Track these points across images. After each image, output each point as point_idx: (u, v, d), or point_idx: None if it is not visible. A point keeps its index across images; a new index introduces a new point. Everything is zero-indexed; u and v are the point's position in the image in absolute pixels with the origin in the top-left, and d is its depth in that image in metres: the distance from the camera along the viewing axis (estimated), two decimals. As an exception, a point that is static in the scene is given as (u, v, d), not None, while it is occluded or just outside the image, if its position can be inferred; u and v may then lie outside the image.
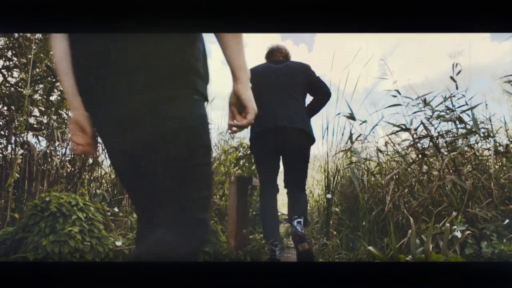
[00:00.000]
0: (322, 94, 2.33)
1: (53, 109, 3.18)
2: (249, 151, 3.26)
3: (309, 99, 2.37)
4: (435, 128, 2.69)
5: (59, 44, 0.93)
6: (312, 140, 2.29)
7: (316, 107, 2.36)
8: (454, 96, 2.66)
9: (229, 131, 0.94)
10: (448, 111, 2.67)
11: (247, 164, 3.31)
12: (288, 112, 2.12)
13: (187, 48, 0.87)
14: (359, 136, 3.02)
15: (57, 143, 3.14)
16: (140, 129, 0.82)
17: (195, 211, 0.88)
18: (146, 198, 0.92)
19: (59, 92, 3.37)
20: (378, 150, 2.88)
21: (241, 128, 0.92)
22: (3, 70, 3.11)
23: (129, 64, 0.82)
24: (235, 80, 0.91)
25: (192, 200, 0.87)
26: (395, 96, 2.76)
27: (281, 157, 2.29)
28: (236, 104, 0.93)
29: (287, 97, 2.14)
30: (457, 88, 2.67)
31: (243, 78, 0.90)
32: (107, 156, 3.55)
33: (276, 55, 2.40)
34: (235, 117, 0.94)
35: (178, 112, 0.83)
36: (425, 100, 2.70)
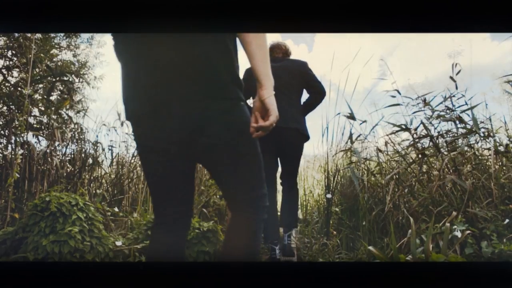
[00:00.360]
0: (316, 93, 2.37)
1: (53, 108, 3.18)
2: None
3: (305, 95, 2.42)
4: (435, 128, 2.70)
5: None
6: (306, 138, 2.35)
7: (311, 105, 2.42)
8: (454, 96, 2.66)
9: (253, 134, 1.04)
10: (448, 111, 2.68)
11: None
12: (284, 112, 2.14)
13: (236, 62, 1.08)
14: (359, 136, 3.02)
15: (57, 143, 3.14)
16: (210, 137, 1.02)
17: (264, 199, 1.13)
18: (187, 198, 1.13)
19: (59, 92, 3.38)
20: (378, 150, 2.88)
21: (264, 129, 1.01)
22: (3, 70, 3.11)
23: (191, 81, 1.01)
24: (260, 86, 1.02)
25: (261, 187, 1.12)
26: (394, 97, 2.76)
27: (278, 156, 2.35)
28: (260, 109, 1.03)
29: (282, 97, 2.16)
30: (456, 88, 2.67)
31: (267, 84, 1.02)
32: (105, 157, 3.56)
33: (275, 51, 2.42)
34: (257, 121, 1.03)
35: (242, 118, 1.06)
36: (425, 100, 2.70)
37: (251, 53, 1.01)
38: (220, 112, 1.03)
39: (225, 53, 1.04)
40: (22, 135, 2.91)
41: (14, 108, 3.01)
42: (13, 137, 2.98)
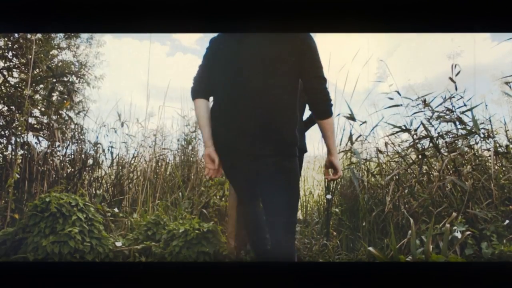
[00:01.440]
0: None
1: (53, 109, 3.18)
2: None
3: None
4: (435, 129, 2.70)
5: (203, 107, 1.45)
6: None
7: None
8: (454, 96, 2.67)
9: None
10: (448, 112, 2.68)
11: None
12: None
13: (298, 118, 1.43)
14: (359, 136, 3.02)
15: (57, 143, 3.14)
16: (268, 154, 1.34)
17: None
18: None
19: (59, 93, 3.38)
20: (378, 150, 2.88)
21: (334, 179, 1.76)
22: (3, 71, 3.11)
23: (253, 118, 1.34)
24: (331, 154, 1.51)
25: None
26: (391, 99, 2.77)
27: None
28: (331, 167, 1.54)
29: None
30: (456, 89, 2.68)
31: (335, 153, 1.50)
32: (105, 158, 3.56)
33: None
34: (328, 174, 1.61)
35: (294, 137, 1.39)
36: (425, 100, 2.71)
37: (327, 135, 1.46)
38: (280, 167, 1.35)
39: (292, 115, 1.38)
40: (22, 135, 2.91)
41: (14, 109, 3.01)
42: (13, 138, 2.98)
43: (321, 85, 1.36)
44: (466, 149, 2.62)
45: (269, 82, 1.29)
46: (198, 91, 1.47)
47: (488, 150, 2.65)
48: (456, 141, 2.64)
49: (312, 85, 1.35)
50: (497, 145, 2.62)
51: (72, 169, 3.27)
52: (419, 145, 2.72)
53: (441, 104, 2.69)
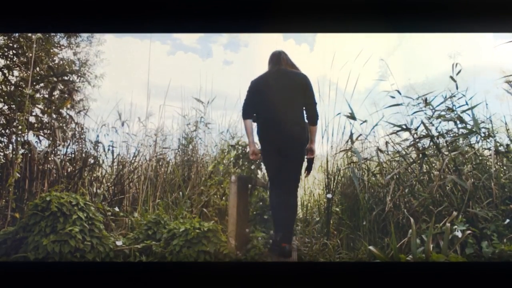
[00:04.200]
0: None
1: (53, 108, 3.18)
2: (247, 151, 3.34)
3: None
4: (436, 128, 2.69)
5: (249, 124, 2.39)
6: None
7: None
8: (454, 96, 2.66)
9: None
10: (448, 111, 2.67)
11: (246, 163, 3.33)
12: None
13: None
14: (359, 135, 3.02)
15: (58, 142, 3.14)
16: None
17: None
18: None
19: (59, 92, 3.38)
20: (379, 149, 2.88)
21: (311, 158, 2.60)
22: (3, 69, 3.11)
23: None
24: (311, 142, 2.46)
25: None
26: (393, 97, 2.77)
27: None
28: (309, 150, 2.46)
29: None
30: (457, 88, 2.67)
31: (314, 142, 2.47)
32: (106, 157, 3.56)
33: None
34: (308, 154, 2.49)
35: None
36: (425, 100, 2.70)
37: (312, 133, 2.43)
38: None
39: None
40: (23, 134, 2.92)
41: (15, 108, 3.01)
42: (14, 137, 2.98)
43: (315, 107, 2.38)
44: (466, 148, 2.61)
45: (288, 107, 2.27)
46: (246, 114, 2.39)
47: (489, 149, 2.64)
48: (457, 140, 2.64)
49: (311, 107, 2.36)
50: (498, 144, 2.61)
51: (73, 168, 3.28)
52: (419, 144, 2.72)
53: (441, 103, 2.69)
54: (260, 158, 2.54)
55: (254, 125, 2.44)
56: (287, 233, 2.20)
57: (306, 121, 2.39)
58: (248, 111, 2.37)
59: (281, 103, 2.25)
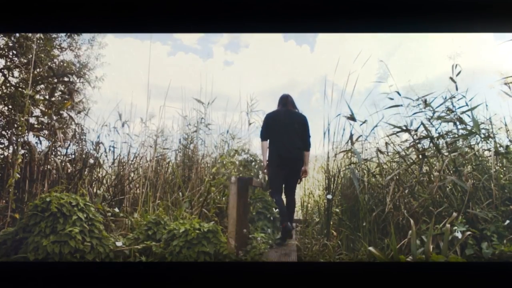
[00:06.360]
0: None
1: (54, 109, 3.18)
2: (248, 152, 3.47)
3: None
4: (436, 129, 2.69)
5: (265, 145, 3.04)
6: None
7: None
8: (454, 97, 2.66)
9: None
10: (448, 112, 2.68)
11: (246, 164, 3.35)
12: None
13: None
14: (359, 136, 3.02)
15: (58, 143, 3.15)
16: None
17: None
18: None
19: (60, 92, 3.39)
20: (379, 150, 2.88)
21: (304, 176, 3.17)
22: (4, 70, 3.11)
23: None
24: (305, 164, 3.08)
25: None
26: (392, 99, 2.77)
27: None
28: (303, 172, 3.06)
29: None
30: (457, 89, 2.67)
31: (307, 165, 3.10)
32: (106, 158, 3.56)
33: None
34: (302, 175, 3.10)
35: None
36: (425, 101, 2.70)
37: (305, 157, 3.05)
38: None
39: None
40: (23, 135, 2.92)
41: (15, 109, 3.02)
42: (14, 138, 2.98)
43: (309, 139, 3.04)
44: (466, 149, 2.61)
45: (293, 137, 2.92)
46: (264, 137, 3.04)
47: (489, 150, 2.64)
48: (457, 141, 2.64)
49: (306, 138, 3.02)
50: (498, 145, 2.61)
51: (73, 169, 3.28)
52: (419, 145, 2.72)
53: (441, 104, 2.69)
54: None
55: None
56: (286, 218, 2.85)
57: None
58: (265, 135, 3.07)
59: (288, 133, 3.00)
